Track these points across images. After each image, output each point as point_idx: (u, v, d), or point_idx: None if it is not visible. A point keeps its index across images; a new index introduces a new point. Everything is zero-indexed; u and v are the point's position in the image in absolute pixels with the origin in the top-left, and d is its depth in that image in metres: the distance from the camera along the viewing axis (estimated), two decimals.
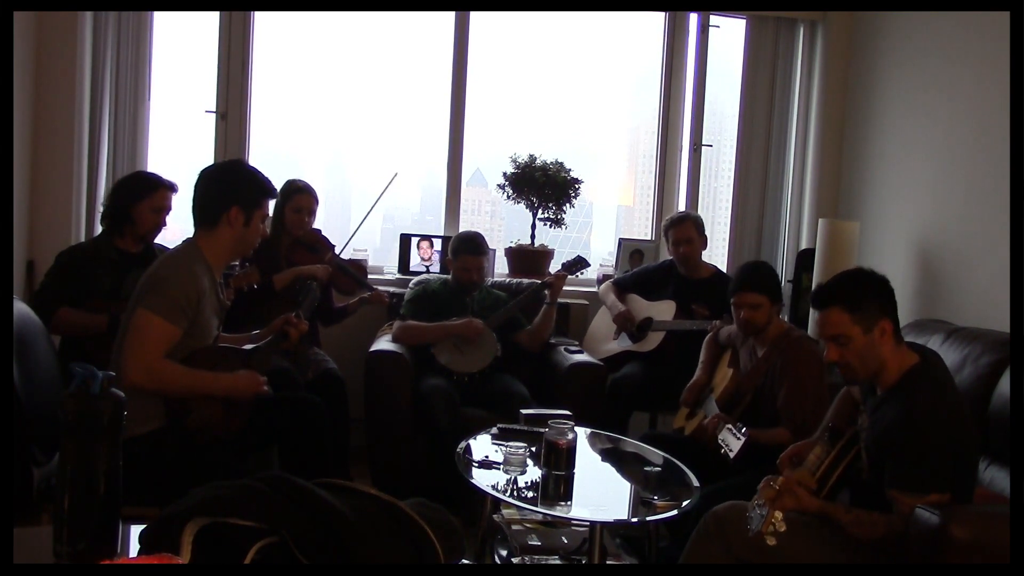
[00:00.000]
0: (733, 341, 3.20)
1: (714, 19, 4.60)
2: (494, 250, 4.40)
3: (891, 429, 2.11)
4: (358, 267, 3.87)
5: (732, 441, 2.71)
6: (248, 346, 2.61)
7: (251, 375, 2.48)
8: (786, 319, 3.57)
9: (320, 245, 3.74)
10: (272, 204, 2.60)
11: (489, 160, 4.73)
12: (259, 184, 2.53)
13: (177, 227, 3.64)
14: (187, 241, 2.51)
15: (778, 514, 2.00)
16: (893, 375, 2.18)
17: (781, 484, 2.12)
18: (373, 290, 3.80)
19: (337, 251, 3.74)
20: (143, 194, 3.12)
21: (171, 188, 3.20)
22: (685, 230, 3.88)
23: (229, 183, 2.49)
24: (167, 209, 3.19)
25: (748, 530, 2.07)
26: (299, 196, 3.62)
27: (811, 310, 3.98)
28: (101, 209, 3.29)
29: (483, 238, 3.79)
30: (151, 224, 3.16)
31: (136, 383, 2.23)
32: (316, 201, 3.69)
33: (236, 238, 2.47)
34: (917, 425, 2.07)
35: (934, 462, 2.06)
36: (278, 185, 3.63)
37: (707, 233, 4.02)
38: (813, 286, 4.11)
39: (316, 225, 3.77)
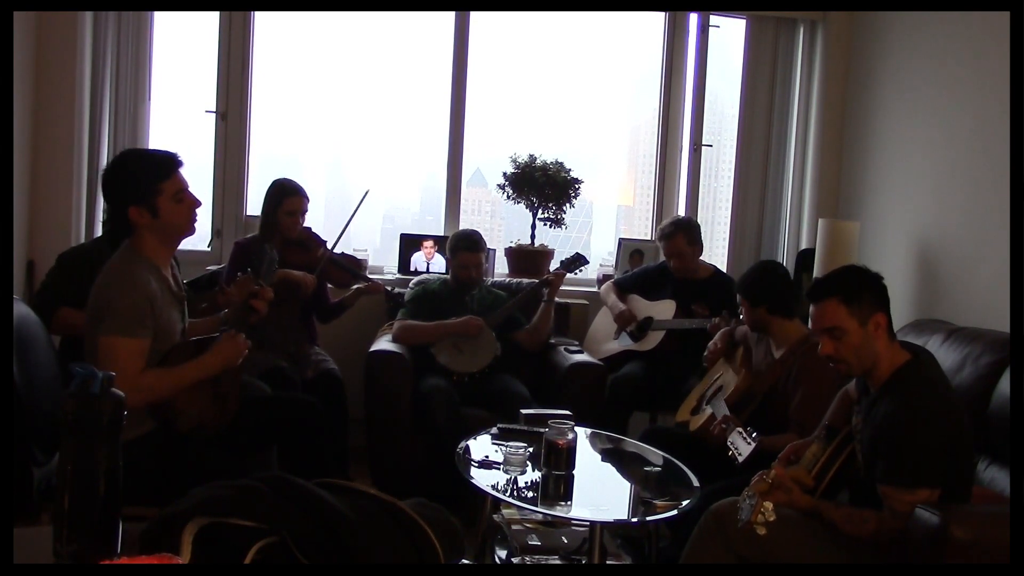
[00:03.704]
0: (747, 339, 3.19)
1: (714, 19, 4.59)
2: (494, 250, 4.40)
3: (883, 426, 2.12)
4: (351, 260, 3.83)
5: (742, 445, 2.65)
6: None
7: (229, 340, 2.37)
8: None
9: (311, 242, 3.71)
10: (175, 171, 2.35)
11: (489, 160, 4.73)
12: (144, 171, 2.33)
13: None
14: (124, 245, 2.39)
15: (768, 504, 2.01)
16: (885, 372, 2.19)
17: (773, 477, 2.13)
18: (368, 280, 3.76)
19: (328, 246, 3.68)
20: None
21: None
22: (675, 244, 3.84)
23: (115, 188, 2.38)
24: None
25: (739, 520, 2.08)
26: (291, 199, 3.55)
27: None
28: (102, 209, 3.26)
29: (480, 235, 3.79)
30: None
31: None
32: (307, 200, 3.64)
33: (159, 230, 2.35)
34: (907, 421, 2.08)
35: (924, 457, 2.07)
36: (267, 185, 3.63)
37: (707, 233, 4.00)
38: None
39: (316, 225, 3.75)
